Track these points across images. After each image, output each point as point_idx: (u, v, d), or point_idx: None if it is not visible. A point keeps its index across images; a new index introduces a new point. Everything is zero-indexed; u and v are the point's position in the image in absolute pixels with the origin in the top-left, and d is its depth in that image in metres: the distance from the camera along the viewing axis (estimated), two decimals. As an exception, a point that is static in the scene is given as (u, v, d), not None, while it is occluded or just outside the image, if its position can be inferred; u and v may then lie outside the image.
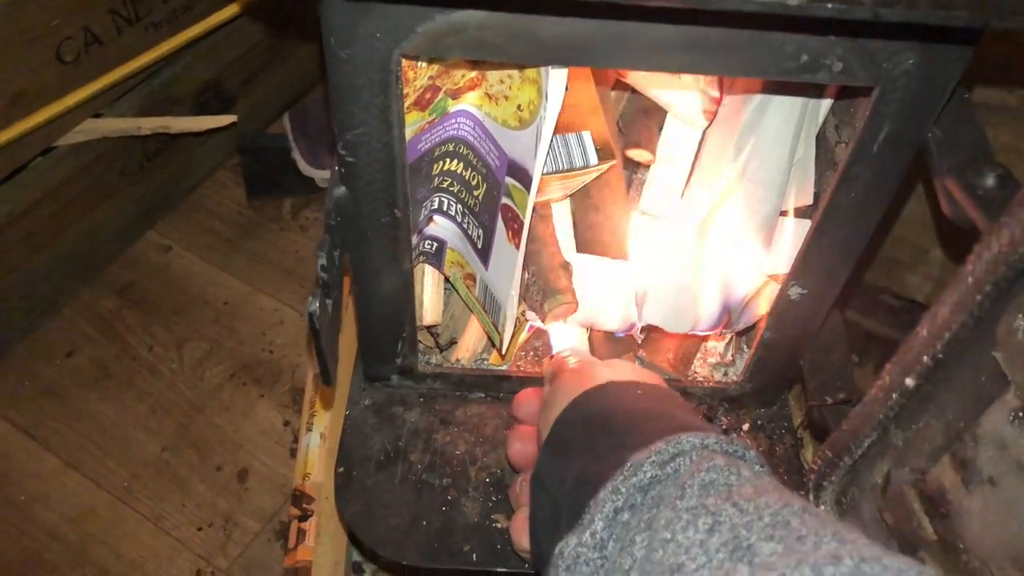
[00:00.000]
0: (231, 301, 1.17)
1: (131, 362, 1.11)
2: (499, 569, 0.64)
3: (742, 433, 0.73)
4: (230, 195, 1.29)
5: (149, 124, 1.08)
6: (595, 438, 0.45)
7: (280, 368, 1.11)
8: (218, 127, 1.13)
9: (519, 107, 0.54)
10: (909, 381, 0.53)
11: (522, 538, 0.52)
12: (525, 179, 0.55)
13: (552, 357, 0.62)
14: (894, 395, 0.55)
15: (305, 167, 1.27)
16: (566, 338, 0.67)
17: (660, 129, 0.71)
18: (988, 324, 0.47)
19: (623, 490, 0.39)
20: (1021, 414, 0.44)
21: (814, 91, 0.62)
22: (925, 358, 0.51)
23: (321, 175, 1.28)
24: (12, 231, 1.03)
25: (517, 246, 0.58)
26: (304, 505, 0.95)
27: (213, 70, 1.21)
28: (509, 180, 0.57)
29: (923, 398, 0.53)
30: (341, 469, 0.68)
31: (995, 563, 0.47)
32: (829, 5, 0.38)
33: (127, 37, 1.04)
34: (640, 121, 0.72)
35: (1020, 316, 0.44)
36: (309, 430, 0.99)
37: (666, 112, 0.71)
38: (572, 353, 0.59)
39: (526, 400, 0.62)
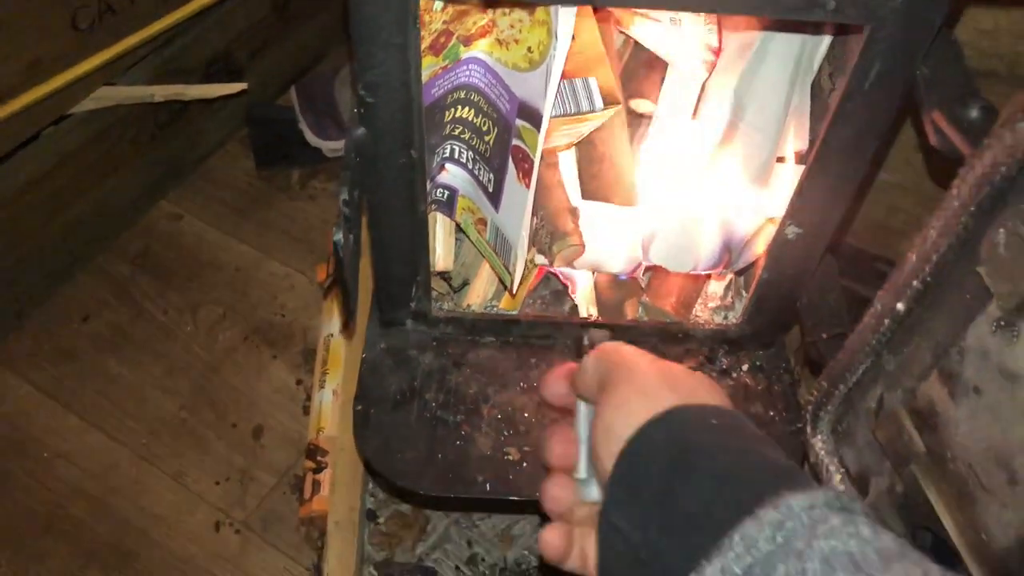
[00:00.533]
0: (243, 267, 1.20)
1: (147, 325, 1.14)
2: (511, 498, 0.67)
3: (742, 373, 0.77)
4: (239, 165, 1.32)
5: (162, 92, 1.10)
6: (674, 482, 0.41)
7: (292, 330, 1.14)
8: (229, 94, 1.16)
9: (529, 49, 0.57)
10: (900, 306, 0.56)
11: (557, 552, 0.48)
12: (536, 118, 0.58)
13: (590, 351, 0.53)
14: (886, 321, 0.58)
15: (312, 138, 1.30)
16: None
17: (662, 81, 0.74)
18: (972, 244, 0.50)
19: (737, 570, 0.36)
20: (1002, 323, 0.47)
21: (810, 33, 0.64)
22: (915, 282, 0.55)
23: (328, 146, 1.31)
24: (28, 198, 1.06)
25: (528, 185, 0.61)
26: (319, 458, 0.98)
27: (222, 42, 1.23)
28: (520, 122, 0.60)
29: (913, 321, 0.56)
30: (359, 408, 0.71)
31: (980, 466, 0.50)
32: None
33: (140, 6, 1.06)
34: (643, 73, 0.75)
35: (1001, 231, 0.47)
36: (322, 387, 1.02)
37: (667, 64, 0.73)
38: (615, 348, 0.51)
39: (556, 381, 0.54)
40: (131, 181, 1.20)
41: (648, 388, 0.45)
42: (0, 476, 1.00)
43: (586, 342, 0.53)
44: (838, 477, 0.66)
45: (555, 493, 0.49)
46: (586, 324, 0.75)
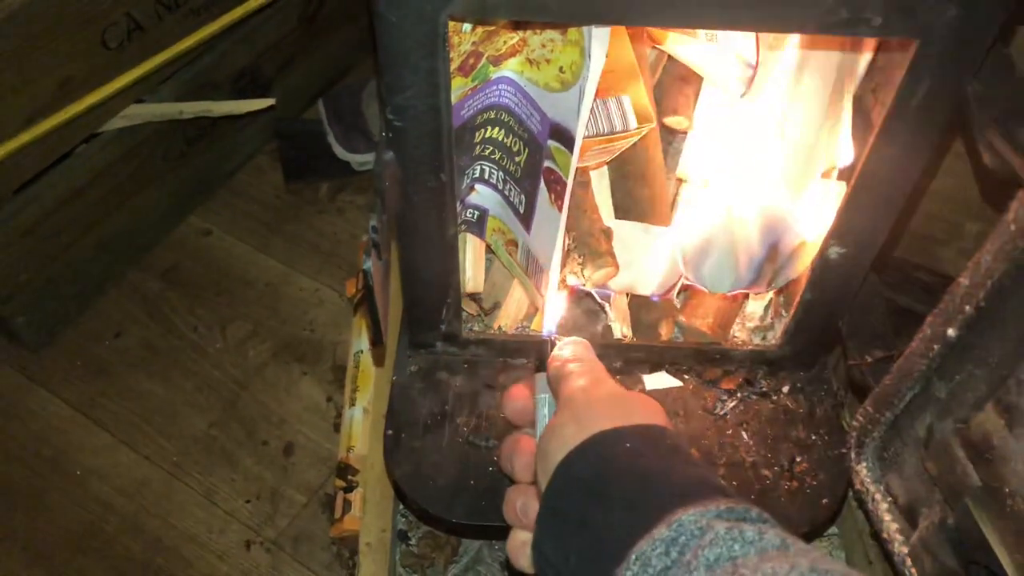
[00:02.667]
0: (272, 282, 1.20)
1: (177, 342, 1.13)
2: (545, 526, 0.66)
3: (782, 395, 0.74)
4: (268, 179, 1.32)
5: (191, 108, 1.10)
6: (590, 512, 0.44)
7: (322, 346, 1.14)
8: (257, 110, 1.16)
9: (561, 69, 0.55)
10: (951, 332, 0.54)
11: (520, 560, 0.51)
12: (568, 140, 0.56)
13: (550, 358, 0.55)
14: (936, 347, 0.55)
15: (340, 151, 1.30)
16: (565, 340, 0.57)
17: (697, 96, 0.72)
18: (1031, 270, 0.48)
19: None
20: (1066, 355, 0.45)
21: (852, 49, 0.62)
22: (967, 307, 0.52)
23: (356, 159, 1.30)
24: (60, 216, 1.06)
25: (560, 208, 0.60)
26: (349, 477, 0.97)
27: (250, 56, 1.23)
28: (551, 143, 0.59)
29: (965, 348, 0.54)
30: (390, 432, 0.70)
31: (1040, 504, 0.47)
32: (871, -49, 0.39)
33: (168, 23, 1.06)
34: (677, 89, 0.73)
35: (1063, 258, 0.44)
36: (352, 404, 1.01)
37: (702, 79, 0.71)
38: (573, 357, 0.54)
39: (517, 398, 0.57)
40: (161, 197, 1.21)
41: (582, 414, 0.48)
42: (34, 493, 1.01)
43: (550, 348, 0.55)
44: (884, 506, 0.64)
45: (522, 461, 0.53)
46: (620, 346, 0.73)
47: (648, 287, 0.71)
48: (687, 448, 0.47)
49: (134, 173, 1.14)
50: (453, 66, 0.56)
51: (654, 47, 0.72)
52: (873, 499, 0.64)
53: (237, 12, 1.13)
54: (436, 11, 0.48)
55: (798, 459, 0.70)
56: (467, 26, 0.54)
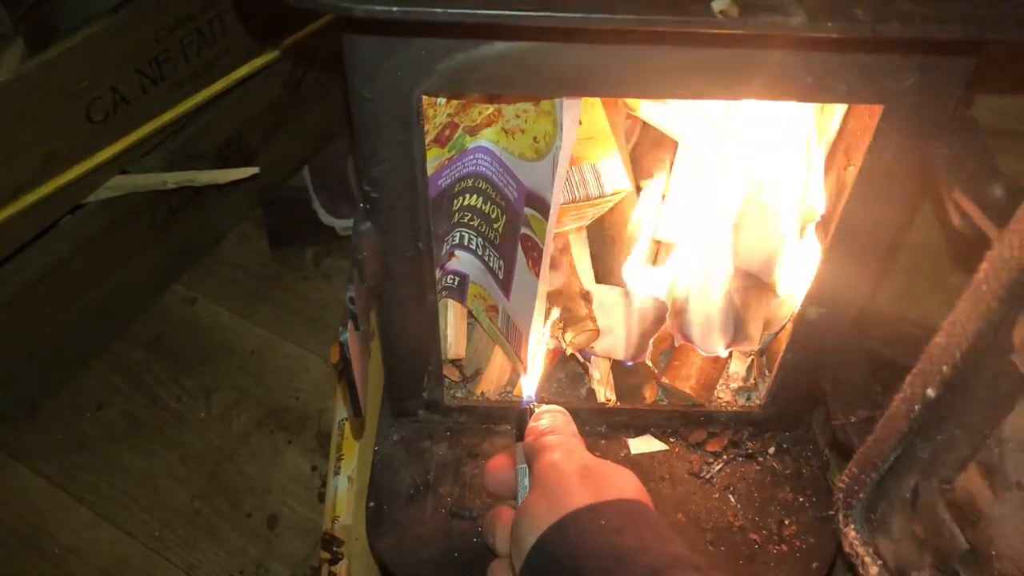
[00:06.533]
0: (257, 350, 1.19)
1: (160, 412, 1.12)
2: (532, 598, 0.64)
3: (768, 457, 0.74)
4: (253, 247, 1.32)
5: (175, 178, 1.11)
6: None
7: (307, 414, 1.12)
8: (241, 179, 1.16)
9: (535, 139, 0.56)
10: (930, 392, 0.54)
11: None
12: (543, 208, 0.56)
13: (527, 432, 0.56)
14: (916, 407, 0.55)
15: (325, 216, 1.30)
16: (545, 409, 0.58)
17: (672, 159, 0.73)
18: (1004, 330, 0.48)
19: None
20: (1043, 415, 0.44)
21: (823, 110, 0.63)
22: (944, 367, 0.52)
23: (341, 224, 1.31)
24: (44, 287, 1.06)
25: (538, 274, 0.60)
26: (334, 548, 0.95)
27: (234, 126, 1.25)
28: (528, 210, 0.59)
29: (945, 408, 0.53)
30: (372, 504, 0.69)
31: (1028, 567, 0.47)
32: (830, 24, 0.40)
33: (152, 96, 1.08)
34: (652, 152, 0.74)
35: (1035, 319, 0.45)
36: (337, 474, 1.00)
37: (676, 143, 0.72)
38: (548, 428, 0.54)
39: (497, 470, 0.57)
40: (146, 267, 1.21)
41: (554, 492, 0.48)
42: (11, 575, 0.98)
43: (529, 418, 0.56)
44: (875, 570, 0.63)
45: (502, 538, 0.52)
46: (604, 410, 0.73)
47: (620, 353, 0.71)
48: (661, 522, 0.46)
49: (118, 243, 1.14)
50: (429, 137, 0.56)
51: (629, 115, 0.73)
52: (863, 562, 0.63)
53: (221, 83, 1.15)
54: (410, 88, 0.48)
55: (786, 522, 0.69)
56: (441, 99, 0.55)
